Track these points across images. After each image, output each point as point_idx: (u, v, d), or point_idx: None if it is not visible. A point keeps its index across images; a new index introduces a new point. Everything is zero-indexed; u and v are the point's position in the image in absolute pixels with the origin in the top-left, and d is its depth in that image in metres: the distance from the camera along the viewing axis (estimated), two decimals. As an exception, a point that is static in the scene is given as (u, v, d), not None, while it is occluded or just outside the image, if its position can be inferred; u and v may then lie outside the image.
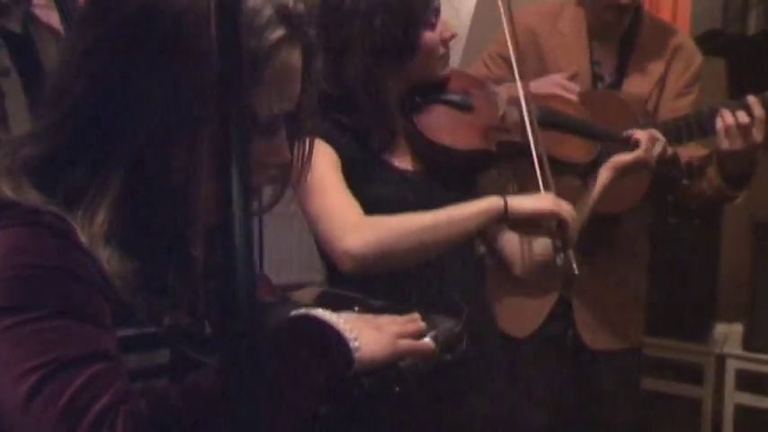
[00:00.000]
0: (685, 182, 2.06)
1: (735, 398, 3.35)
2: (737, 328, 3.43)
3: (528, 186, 1.65)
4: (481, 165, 1.72)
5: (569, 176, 1.85)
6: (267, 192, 1.11)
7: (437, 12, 1.62)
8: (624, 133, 1.82)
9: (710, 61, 3.68)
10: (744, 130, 1.99)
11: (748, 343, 3.33)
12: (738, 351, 3.37)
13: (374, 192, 1.57)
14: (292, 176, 1.04)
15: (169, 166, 0.87)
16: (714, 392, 3.43)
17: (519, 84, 1.72)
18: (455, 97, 1.71)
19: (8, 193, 0.84)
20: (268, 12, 0.90)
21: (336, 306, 1.03)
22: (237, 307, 0.48)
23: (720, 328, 3.50)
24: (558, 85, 2.17)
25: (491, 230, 1.70)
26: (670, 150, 1.84)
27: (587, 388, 2.38)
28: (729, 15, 4.57)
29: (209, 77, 0.86)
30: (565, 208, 1.56)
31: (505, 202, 1.51)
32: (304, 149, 1.04)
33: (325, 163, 1.53)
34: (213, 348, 0.93)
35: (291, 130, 1.02)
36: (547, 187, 1.62)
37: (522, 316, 2.30)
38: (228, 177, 0.49)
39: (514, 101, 1.74)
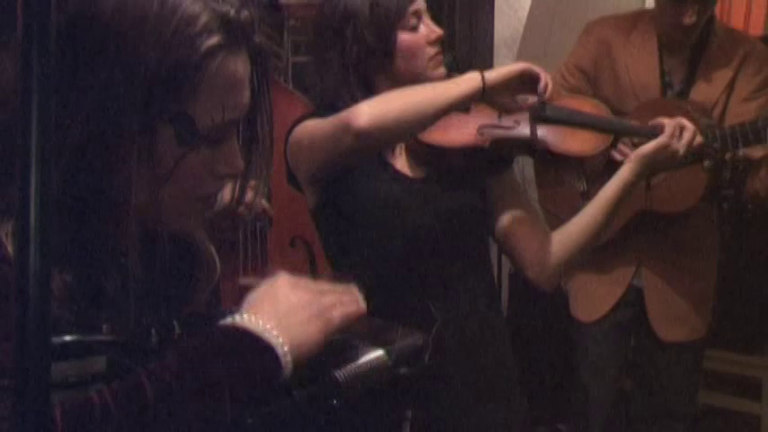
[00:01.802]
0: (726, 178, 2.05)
1: (795, 414, 3.22)
2: (800, 342, 3.29)
3: (545, 184, 1.63)
4: (482, 165, 1.70)
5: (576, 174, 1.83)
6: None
7: (417, 14, 1.64)
8: (650, 122, 1.76)
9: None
10: None
11: (810, 357, 3.20)
12: (800, 366, 3.23)
13: (372, 187, 1.60)
14: (251, 184, 1.03)
15: (100, 177, 0.87)
16: (774, 408, 3.30)
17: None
18: None
19: None
20: (204, 19, 0.89)
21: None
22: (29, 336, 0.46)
23: (781, 342, 3.36)
24: None
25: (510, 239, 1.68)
26: (699, 139, 1.76)
27: (651, 374, 2.53)
28: (804, 15, 4.38)
29: (137, 88, 0.86)
30: (537, 67, 1.59)
31: (482, 75, 1.53)
32: (261, 156, 1.02)
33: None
34: (158, 357, 0.93)
35: (248, 136, 1.01)
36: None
37: (591, 301, 2.42)
38: (26, 189, 0.47)
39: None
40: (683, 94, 2.37)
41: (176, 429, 0.81)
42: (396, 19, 1.60)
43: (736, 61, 2.34)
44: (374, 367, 0.95)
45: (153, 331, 0.96)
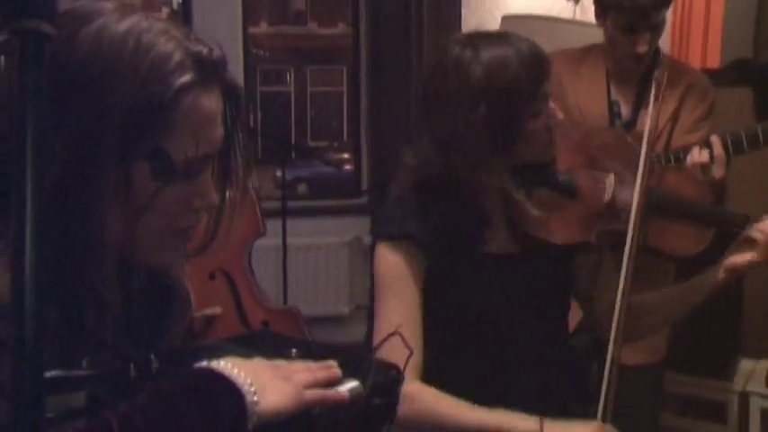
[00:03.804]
0: None
1: (759, 437, 3.27)
2: (763, 365, 3.34)
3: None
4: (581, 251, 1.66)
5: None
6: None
7: (545, 98, 1.55)
8: (756, 226, 1.66)
9: (739, 90, 3.64)
10: (704, 167, 2.12)
11: (773, 380, 3.25)
12: (763, 389, 3.27)
13: (465, 287, 1.56)
14: (225, 218, 1.05)
15: (77, 212, 0.89)
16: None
17: (639, 173, 1.64)
18: (559, 180, 1.64)
19: None
20: (177, 57, 0.93)
21: (272, 349, 1.03)
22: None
23: (744, 365, 3.41)
24: None
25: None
26: None
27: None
28: (760, 45, 4.52)
29: (113, 124, 0.89)
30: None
31: (541, 425, 1.49)
32: (235, 189, 1.05)
33: (399, 270, 1.54)
34: (137, 391, 0.94)
35: (222, 170, 1.04)
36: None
37: None
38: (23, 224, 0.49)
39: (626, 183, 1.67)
40: (632, 123, 2.44)
41: None
42: (528, 102, 1.51)
43: (679, 92, 2.41)
44: (349, 398, 0.97)
45: (131, 365, 0.97)
